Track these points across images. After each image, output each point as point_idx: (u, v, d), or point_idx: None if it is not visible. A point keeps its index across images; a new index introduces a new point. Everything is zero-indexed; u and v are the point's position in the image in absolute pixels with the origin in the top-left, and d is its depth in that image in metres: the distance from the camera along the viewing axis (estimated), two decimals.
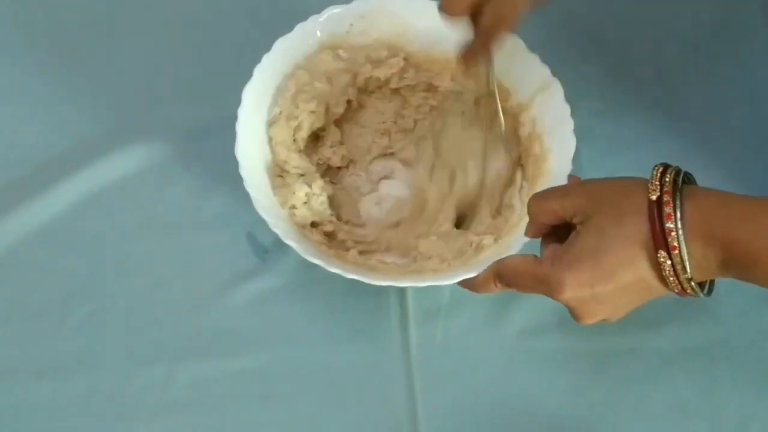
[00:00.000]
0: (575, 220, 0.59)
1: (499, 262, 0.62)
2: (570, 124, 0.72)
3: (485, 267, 0.63)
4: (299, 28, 0.75)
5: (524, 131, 0.76)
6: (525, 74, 0.75)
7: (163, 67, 0.83)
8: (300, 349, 0.72)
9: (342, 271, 0.67)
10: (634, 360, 0.71)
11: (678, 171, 0.57)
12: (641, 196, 0.57)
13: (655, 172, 0.57)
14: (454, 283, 0.68)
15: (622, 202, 0.58)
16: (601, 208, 0.59)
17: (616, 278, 0.57)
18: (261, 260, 0.75)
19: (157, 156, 0.79)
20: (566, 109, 0.73)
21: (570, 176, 0.70)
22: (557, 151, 0.73)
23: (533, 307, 0.73)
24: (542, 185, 0.72)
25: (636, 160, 0.79)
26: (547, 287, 0.59)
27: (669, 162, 0.58)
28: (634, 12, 0.85)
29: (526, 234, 0.65)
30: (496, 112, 0.74)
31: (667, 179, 0.57)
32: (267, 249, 0.75)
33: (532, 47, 0.77)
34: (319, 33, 0.76)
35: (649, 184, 0.57)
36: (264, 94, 0.74)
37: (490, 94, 0.74)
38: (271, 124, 0.74)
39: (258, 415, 0.70)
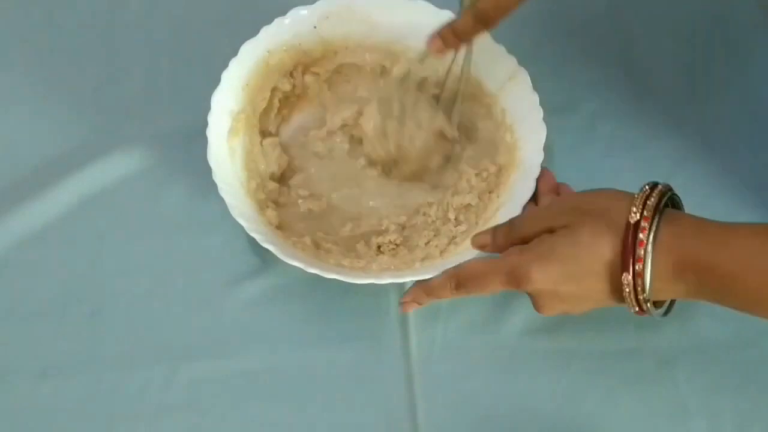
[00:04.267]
0: (553, 228, 0.62)
1: (459, 267, 0.65)
2: (539, 112, 0.73)
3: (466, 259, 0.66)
4: (264, 31, 0.76)
5: (495, 121, 0.77)
6: (492, 65, 0.76)
7: (162, 69, 0.83)
8: (300, 349, 0.72)
9: (320, 271, 0.68)
10: (634, 360, 0.71)
11: (664, 193, 0.59)
12: (622, 215, 0.59)
13: (641, 193, 0.59)
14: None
15: (603, 217, 0.60)
16: (582, 218, 0.61)
17: (579, 285, 0.60)
18: (261, 260, 0.75)
19: (157, 156, 0.79)
20: (535, 98, 0.74)
21: (543, 169, 0.72)
22: (528, 140, 0.74)
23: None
24: (514, 175, 0.73)
25: (635, 161, 0.79)
26: (514, 276, 0.61)
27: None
28: (632, 13, 0.85)
29: (482, 247, 0.68)
30: (456, 97, 0.76)
31: (650, 202, 0.58)
32: (267, 249, 0.75)
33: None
34: (284, 35, 0.77)
35: (632, 205, 0.59)
36: (233, 98, 0.75)
37: (460, 80, 0.75)
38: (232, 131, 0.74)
39: (258, 415, 0.70)
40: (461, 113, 0.77)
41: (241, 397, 0.71)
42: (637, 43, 0.84)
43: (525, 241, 0.63)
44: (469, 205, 0.75)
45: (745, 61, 0.83)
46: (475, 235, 0.69)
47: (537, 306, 0.63)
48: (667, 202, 0.60)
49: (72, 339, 0.72)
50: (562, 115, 0.80)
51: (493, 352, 0.72)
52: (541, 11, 0.84)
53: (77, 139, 0.80)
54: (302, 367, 0.72)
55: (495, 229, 0.68)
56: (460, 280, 0.64)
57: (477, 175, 0.75)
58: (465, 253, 0.69)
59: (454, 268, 0.65)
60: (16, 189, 0.77)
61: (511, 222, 0.67)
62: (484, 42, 0.75)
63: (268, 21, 0.76)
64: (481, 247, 0.68)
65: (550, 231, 0.62)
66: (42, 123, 0.81)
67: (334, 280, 0.68)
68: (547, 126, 0.73)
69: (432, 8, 0.77)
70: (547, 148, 0.75)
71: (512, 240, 0.65)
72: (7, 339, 0.72)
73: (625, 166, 0.78)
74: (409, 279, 0.69)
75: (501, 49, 0.75)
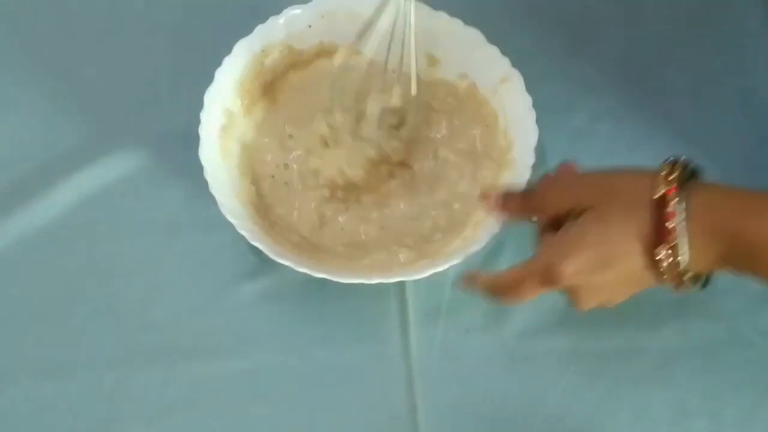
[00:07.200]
0: (578, 209, 0.61)
1: (490, 281, 0.64)
2: (532, 114, 0.73)
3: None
4: (258, 29, 0.76)
5: (488, 124, 0.77)
6: (485, 67, 0.76)
7: (161, 68, 0.83)
8: (300, 349, 0.72)
9: (309, 270, 0.68)
10: (634, 360, 0.71)
11: (685, 166, 0.59)
12: (648, 190, 0.59)
13: (665, 165, 0.59)
14: (453, 284, 0.69)
15: (629, 195, 0.60)
16: (608, 198, 0.60)
17: (615, 270, 0.59)
18: (260, 260, 0.74)
19: (156, 156, 0.79)
20: (527, 100, 0.73)
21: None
22: (520, 141, 0.73)
23: (533, 307, 0.72)
24: (505, 176, 0.73)
25: (635, 161, 0.79)
26: (549, 276, 0.60)
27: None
28: (633, 12, 0.85)
29: (539, 224, 0.65)
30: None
31: (674, 176, 0.58)
32: None
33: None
34: (279, 34, 0.77)
35: (657, 180, 0.59)
36: (226, 96, 0.75)
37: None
38: (224, 128, 0.74)
39: (258, 415, 0.70)
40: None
41: (241, 397, 0.71)
42: (637, 43, 0.84)
43: (544, 213, 0.63)
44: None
45: (745, 61, 0.83)
46: (482, 193, 0.69)
47: (575, 300, 0.62)
48: (690, 174, 0.60)
49: (72, 339, 0.72)
50: (561, 115, 0.80)
51: (493, 352, 0.72)
52: (540, 11, 0.85)
53: (77, 139, 0.80)
54: (302, 367, 0.72)
55: (507, 194, 0.67)
56: (496, 292, 0.63)
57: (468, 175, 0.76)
58: (454, 254, 0.69)
59: (488, 279, 0.64)
60: (16, 189, 0.77)
61: (527, 191, 0.66)
62: (477, 43, 0.75)
63: (263, 20, 0.76)
64: (484, 199, 0.68)
65: (572, 211, 0.61)
66: (42, 123, 0.80)
67: (333, 280, 0.68)
68: (545, 126, 0.73)
69: (427, 9, 0.77)
70: (546, 149, 0.75)
71: (528, 209, 0.65)
72: (7, 339, 0.72)
73: None
74: (398, 279, 0.69)
75: (494, 51, 0.75)
